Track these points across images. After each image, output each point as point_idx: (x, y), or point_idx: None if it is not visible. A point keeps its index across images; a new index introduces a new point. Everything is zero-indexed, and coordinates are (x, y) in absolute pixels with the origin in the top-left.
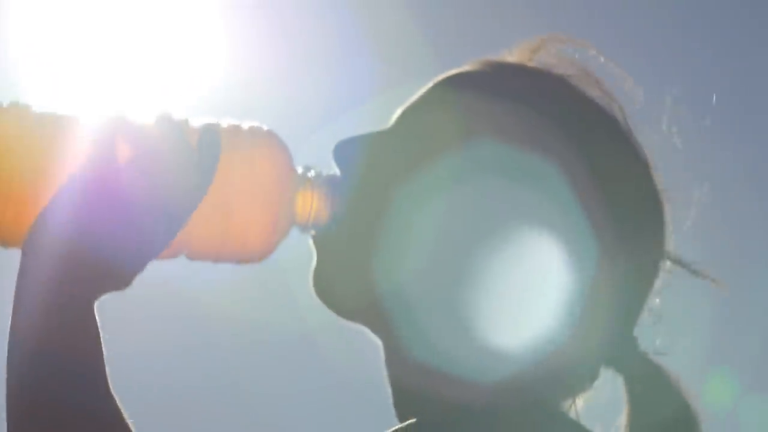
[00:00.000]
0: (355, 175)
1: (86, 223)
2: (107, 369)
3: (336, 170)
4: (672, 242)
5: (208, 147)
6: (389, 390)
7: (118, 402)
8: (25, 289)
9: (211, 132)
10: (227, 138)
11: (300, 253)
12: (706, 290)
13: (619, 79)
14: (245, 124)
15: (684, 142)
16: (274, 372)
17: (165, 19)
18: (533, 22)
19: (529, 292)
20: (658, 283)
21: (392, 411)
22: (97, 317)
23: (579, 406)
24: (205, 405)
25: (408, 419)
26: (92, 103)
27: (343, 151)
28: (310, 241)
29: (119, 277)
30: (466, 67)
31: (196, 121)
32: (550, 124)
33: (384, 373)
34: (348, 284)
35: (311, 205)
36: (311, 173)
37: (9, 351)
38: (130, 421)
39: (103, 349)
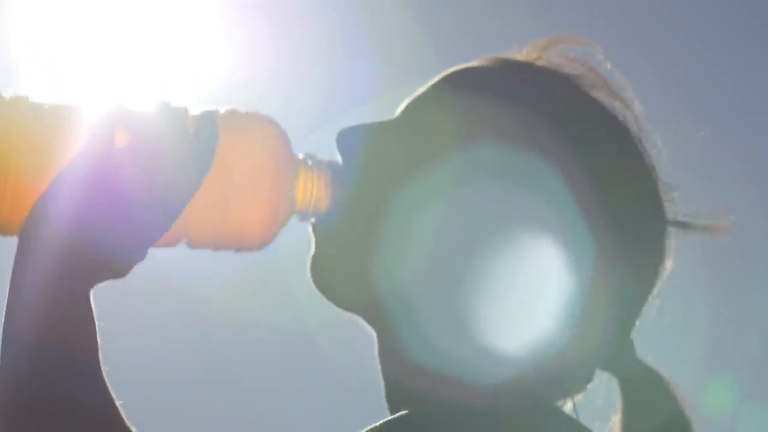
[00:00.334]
0: (357, 164)
1: (83, 211)
2: (103, 361)
3: (338, 158)
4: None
5: (206, 134)
6: (381, 382)
7: (113, 395)
8: (21, 278)
9: (208, 119)
10: (225, 125)
11: (299, 242)
12: (705, 294)
13: (622, 85)
14: (243, 111)
15: (685, 144)
16: (272, 364)
17: (167, 16)
18: (537, 23)
19: (525, 295)
20: (657, 288)
21: (384, 403)
22: (93, 307)
23: (573, 407)
24: (201, 398)
25: (399, 411)
26: (90, 94)
27: (346, 139)
28: (310, 229)
29: (117, 266)
30: (474, 63)
31: (194, 109)
32: (550, 126)
33: (377, 365)
34: (346, 275)
35: (311, 191)
36: (311, 160)
37: (3, 342)
38: (125, 414)
39: (99, 340)
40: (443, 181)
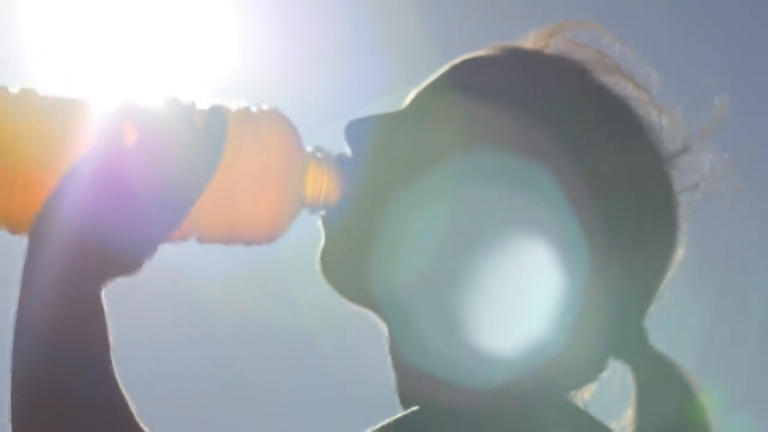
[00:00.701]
0: (366, 157)
1: (93, 207)
2: (114, 357)
3: (347, 150)
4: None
5: (214, 129)
6: (393, 375)
7: (124, 392)
8: (32, 275)
9: (216, 113)
10: (234, 118)
11: (304, 236)
12: (697, 301)
13: (636, 65)
14: (252, 105)
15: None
16: (275, 360)
17: (179, 11)
18: (546, 21)
19: (519, 298)
20: (669, 274)
21: (394, 398)
22: (104, 304)
23: (586, 399)
24: (206, 395)
25: (411, 406)
26: (99, 89)
27: (355, 131)
28: (319, 222)
29: (128, 262)
30: (482, 53)
31: (203, 103)
32: (550, 130)
33: (388, 359)
34: (352, 270)
35: (321, 184)
36: (320, 153)
37: (15, 338)
38: (135, 411)
39: (110, 337)
40: (442, 183)
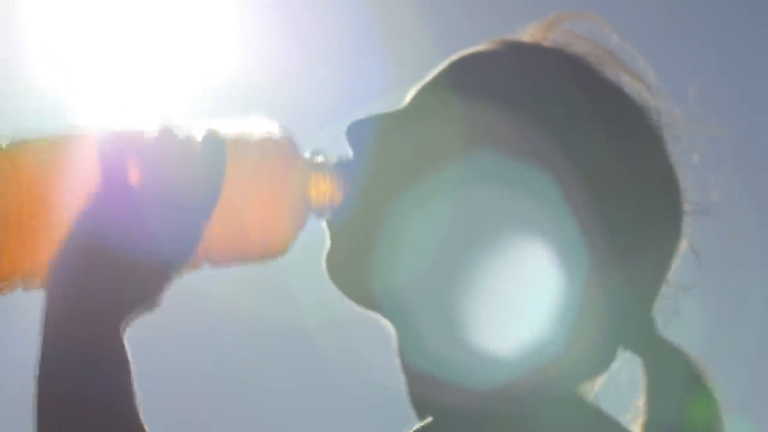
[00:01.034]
0: (367, 157)
1: (105, 250)
2: (139, 404)
3: (348, 152)
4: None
5: (214, 152)
6: (403, 378)
7: None
8: (50, 328)
9: (213, 137)
10: (230, 138)
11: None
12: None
13: (632, 57)
14: (247, 122)
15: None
16: (274, 360)
17: (177, 12)
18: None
19: (517, 300)
20: (675, 261)
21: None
22: (126, 347)
23: (596, 390)
24: (207, 395)
25: (423, 410)
26: (92, 119)
27: (356, 131)
28: (324, 224)
29: (145, 300)
30: (482, 49)
31: (198, 126)
32: (549, 131)
33: (396, 360)
34: (357, 271)
35: (324, 187)
36: (319, 157)
37: (38, 388)
38: None
39: (135, 383)
40: (442, 185)
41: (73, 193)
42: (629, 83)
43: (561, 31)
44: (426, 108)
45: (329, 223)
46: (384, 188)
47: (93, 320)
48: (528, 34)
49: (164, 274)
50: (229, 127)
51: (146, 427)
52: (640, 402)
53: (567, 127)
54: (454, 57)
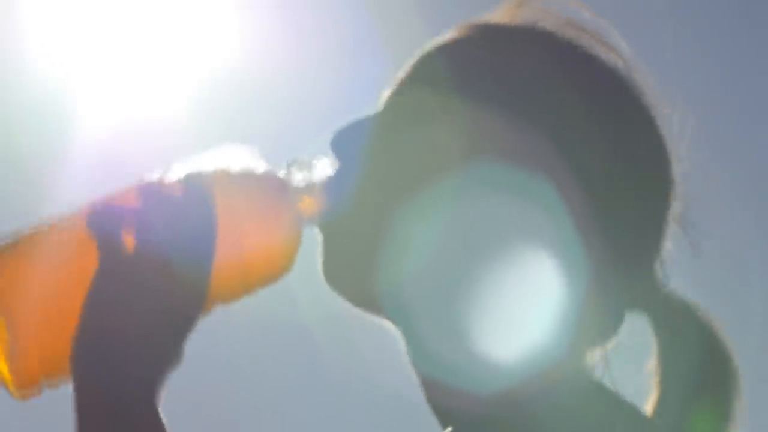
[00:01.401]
0: (354, 164)
1: (120, 327)
2: None
3: (332, 158)
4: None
5: (200, 200)
6: (417, 380)
7: None
8: (84, 408)
9: (195, 186)
10: (214, 180)
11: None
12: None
13: (606, 32)
14: (222, 155)
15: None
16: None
17: (175, 9)
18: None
19: (517, 305)
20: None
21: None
22: (161, 415)
23: (605, 357)
24: (206, 394)
25: (440, 416)
26: (68, 205)
27: (340, 140)
28: (316, 229)
29: (170, 360)
30: (454, 37)
31: (176, 173)
32: (541, 127)
33: (408, 364)
34: (359, 277)
35: (312, 200)
36: (299, 169)
37: None
38: None
39: None
40: (442, 192)
41: (74, 280)
42: (607, 56)
43: (530, 9)
44: (417, 112)
45: (322, 227)
46: (383, 194)
47: (128, 393)
48: (499, 12)
49: (181, 331)
50: (207, 165)
51: None
52: (652, 361)
53: (559, 125)
54: (426, 49)
